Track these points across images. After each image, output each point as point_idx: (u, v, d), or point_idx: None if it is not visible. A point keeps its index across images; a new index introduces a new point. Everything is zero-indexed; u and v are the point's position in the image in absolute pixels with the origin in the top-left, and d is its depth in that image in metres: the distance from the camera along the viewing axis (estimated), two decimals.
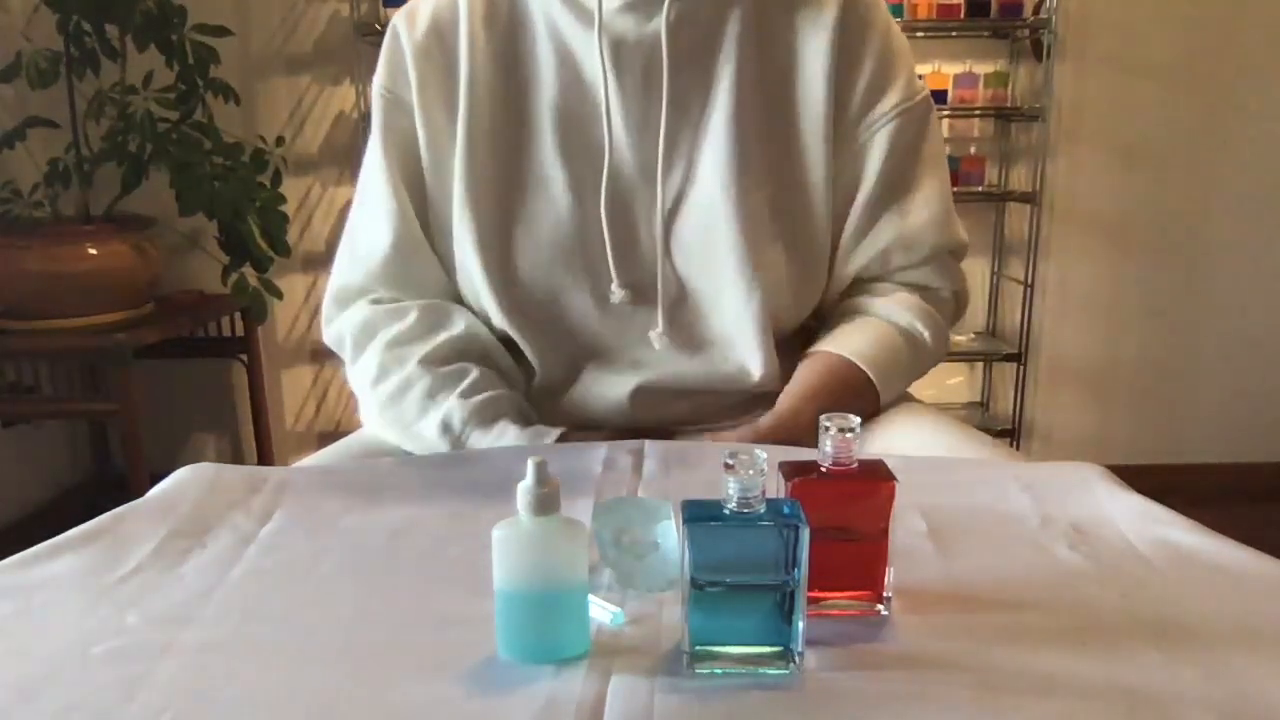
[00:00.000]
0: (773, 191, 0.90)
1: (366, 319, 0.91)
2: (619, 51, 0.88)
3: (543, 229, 0.89)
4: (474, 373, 0.89)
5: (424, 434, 0.88)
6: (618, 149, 0.89)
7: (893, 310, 0.95)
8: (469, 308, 0.94)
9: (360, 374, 0.92)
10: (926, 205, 0.93)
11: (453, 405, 0.87)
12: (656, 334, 0.91)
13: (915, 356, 0.95)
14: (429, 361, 0.89)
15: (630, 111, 0.88)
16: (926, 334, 0.95)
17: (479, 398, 0.87)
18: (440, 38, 0.90)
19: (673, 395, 0.94)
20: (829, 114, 0.90)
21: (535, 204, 0.89)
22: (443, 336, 0.90)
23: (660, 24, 0.87)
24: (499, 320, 0.91)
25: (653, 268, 0.90)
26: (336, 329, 0.94)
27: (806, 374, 0.93)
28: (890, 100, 0.91)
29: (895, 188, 0.93)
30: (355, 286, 0.93)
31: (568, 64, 0.89)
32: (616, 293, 0.90)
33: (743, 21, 0.89)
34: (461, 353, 0.90)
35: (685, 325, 0.92)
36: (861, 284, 0.98)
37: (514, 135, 0.90)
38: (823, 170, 0.91)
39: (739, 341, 0.92)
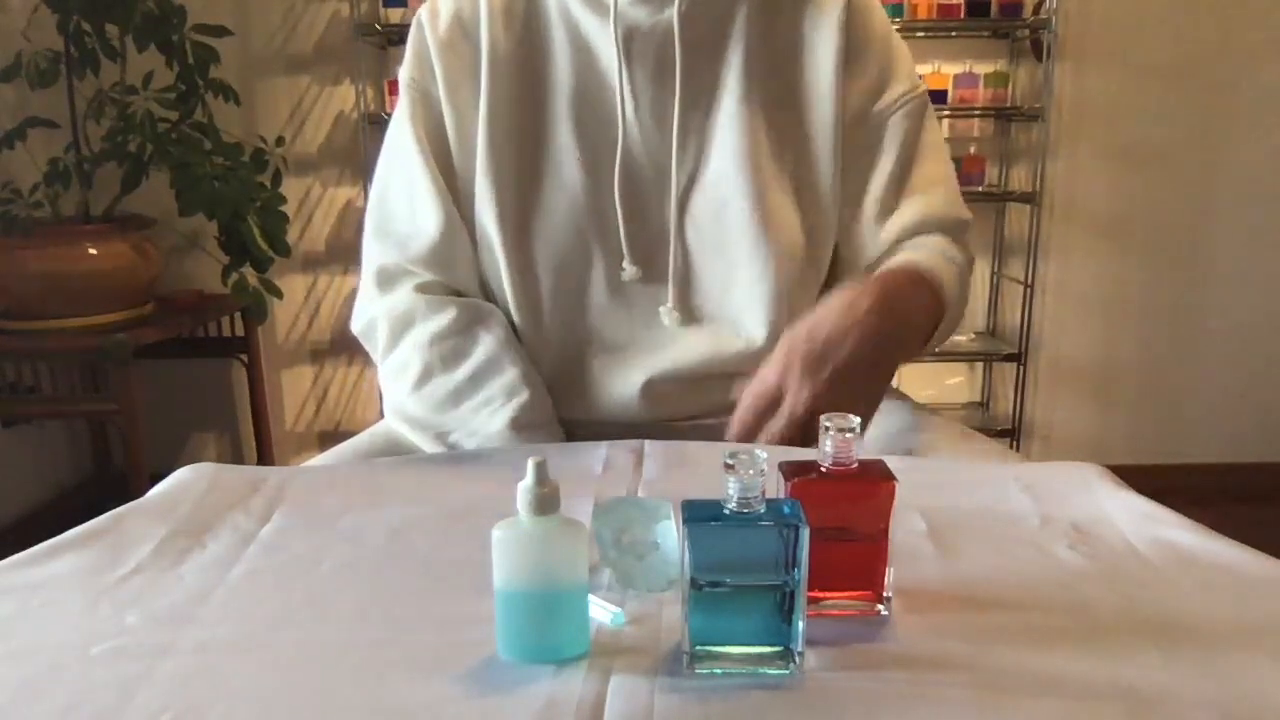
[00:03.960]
0: (782, 169, 0.93)
1: (408, 309, 0.92)
2: (633, 40, 0.91)
3: (558, 206, 0.92)
4: (525, 394, 0.89)
5: (461, 446, 0.89)
6: (631, 134, 0.92)
7: (920, 251, 0.95)
8: (493, 296, 0.95)
9: (394, 368, 0.92)
10: (943, 184, 0.97)
11: (498, 431, 0.88)
12: (666, 309, 0.93)
13: (960, 278, 0.95)
14: (475, 375, 0.90)
15: (643, 98, 0.92)
16: (959, 258, 0.95)
17: (528, 433, 0.89)
18: (463, 31, 0.94)
19: (683, 388, 0.94)
20: (836, 92, 0.93)
21: (551, 182, 0.92)
22: (485, 337, 0.91)
23: (673, 13, 0.90)
24: (513, 298, 0.93)
25: (665, 247, 0.93)
26: (371, 314, 0.94)
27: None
28: (899, 88, 0.95)
29: (911, 169, 0.96)
30: (397, 268, 0.94)
31: (583, 52, 0.93)
32: (628, 269, 0.92)
33: (750, 7, 0.93)
34: (502, 357, 0.91)
35: (695, 304, 0.94)
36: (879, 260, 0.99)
37: (532, 118, 0.93)
38: (830, 148, 0.93)
39: (748, 317, 0.93)
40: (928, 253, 0.93)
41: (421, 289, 0.93)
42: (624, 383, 0.94)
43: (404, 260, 0.93)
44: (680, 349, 0.94)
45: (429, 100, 0.94)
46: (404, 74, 0.95)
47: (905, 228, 0.95)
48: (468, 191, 0.93)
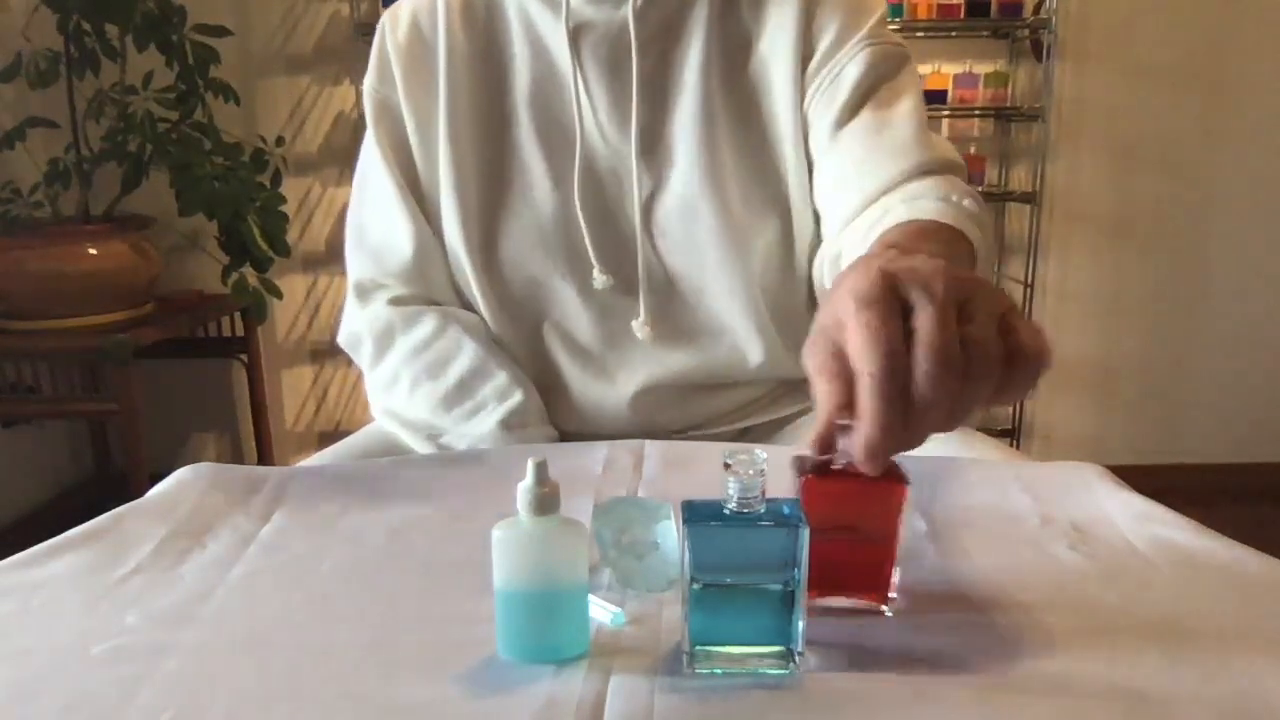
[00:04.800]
0: (748, 169, 0.89)
1: (386, 323, 0.91)
2: (586, 39, 0.88)
3: (525, 215, 0.90)
4: (517, 397, 0.88)
5: (453, 447, 0.89)
6: (590, 137, 0.89)
7: (917, 195, 0.77)
8: (470, 305, 0.94)
9: (384, 380, 0.92)
10: (907, 120, 0.85)
11: (489, 432, 0.87)
12: (638, 323, 0.90)
13: (981, 213, 0.76)
14: (463, 382, 0.88)
15: (599, 100, 0.89)
16: (968, 201, 0.77)
17: (519, 432, 0.88)
18: (420, 35, 0.91)
19: (672, 397, 0.93)
20: (796, 77, 0.87)
21: (517, 192, 0.90)
22: (467, 344, 0.89)
23: (627, 10, 0.87)
24: (487, 310, 0.91)
25: (635, 256, 0.90)
26: (353, 329, 0.93)
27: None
28: (859, 34, 0.87)
29: (874, 106, 0.85)
30: (372, 282, 0.93)
31: (540, 54, 0.90)
32: (599, 279, 0.89)
33: (709, 3, 0.89)
34: (488, 361, 0.89)
35: (673, 314, 0.91)
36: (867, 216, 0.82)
37: (494, 126, 0.91)
38: (792, 133, 0.88)
39: (732, 327, 0.91)
40: (926, 203, 0.76)
41: (395, 301, 0.92)
42: (611, 393, 0.92)
43: (379, 275, 0.93)
44: (665, 358, 0.92)
45: (391, 111, 0.92)
46: (367, 83, 0.93)
47: (887, 179, 0.82)
48: (435, 201, 0.91)
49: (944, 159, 0.84)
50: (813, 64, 0.87)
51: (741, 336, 0.91)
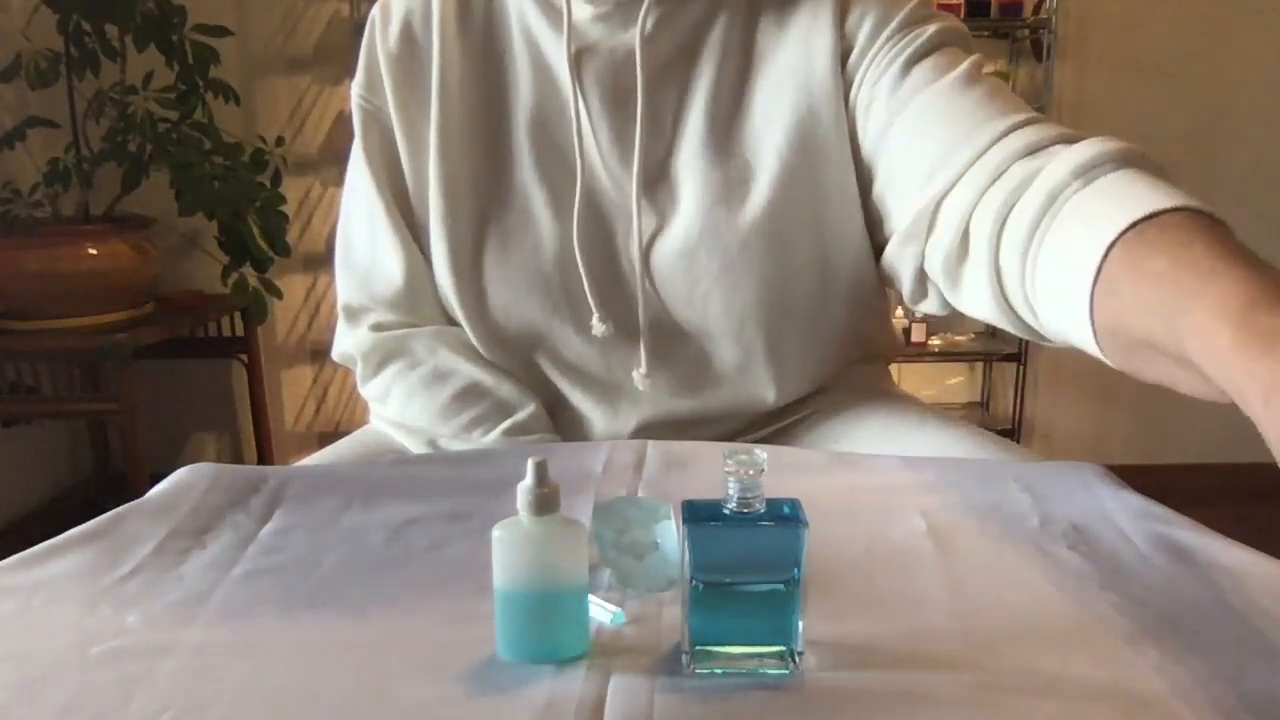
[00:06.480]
0: (768, 198, 0.80)
1: (373, 346, 0.88)
2: (590, 64, 0.82)
3: (521, 253, 0.84)
4: (518, 414, 0.85)
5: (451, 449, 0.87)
6: (592, 171, 0.83)
7: (1091, 163, 0.61)
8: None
9: (377, 395, 0.90)
10: (978, 77, 0.75)
11: (490, 441, 0.85)
12: (639, 374, 0.85)
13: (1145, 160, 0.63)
14: (462, 396, 0.85)
15: (604, 131, 0.83)
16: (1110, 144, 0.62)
17: (523, 438, 0.85)
18: (412, 40, 0.85)
19: (681, 429, 0.88)
20: (835, 76, 0.80)
21: (512, 222, 0.84)
22: (463, 367, 0.86)
23: (635, 35, 0.80)
24: (477, 343, 0.87)
25: (636, 302, 0.84)
26: (344, 349, 0.91)
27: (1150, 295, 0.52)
28: (901, 16, 0.79)
29: (941, 69, 0.76)
30: (359, 306, 0.90)
31: (542, 70, 0.84)
32: (598, 327, 0.84)
33: (727, 25, 0.82)
34: (481, 380, 0.87)
35: (676, 362, 0.86)
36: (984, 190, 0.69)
37: (490, 146, 0.84)
38: (834, 138, 0.80)
39: (742, 374, 0.86)
40: (1134, 175, 0.60)
41: (381, 327, 0.88)
42: (613, 420, 0.88)
43: (367, 300, 0.89)
44: (670, 402, 0.87)
45: (380, 122, 0.86)
46: (354, 88, 0.87)
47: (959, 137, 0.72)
48: (425, 221, 0.86)
49: (1031, 113, 0.72)
50: (853, 57, 0.80)
51: (753, 380, 0.86)
